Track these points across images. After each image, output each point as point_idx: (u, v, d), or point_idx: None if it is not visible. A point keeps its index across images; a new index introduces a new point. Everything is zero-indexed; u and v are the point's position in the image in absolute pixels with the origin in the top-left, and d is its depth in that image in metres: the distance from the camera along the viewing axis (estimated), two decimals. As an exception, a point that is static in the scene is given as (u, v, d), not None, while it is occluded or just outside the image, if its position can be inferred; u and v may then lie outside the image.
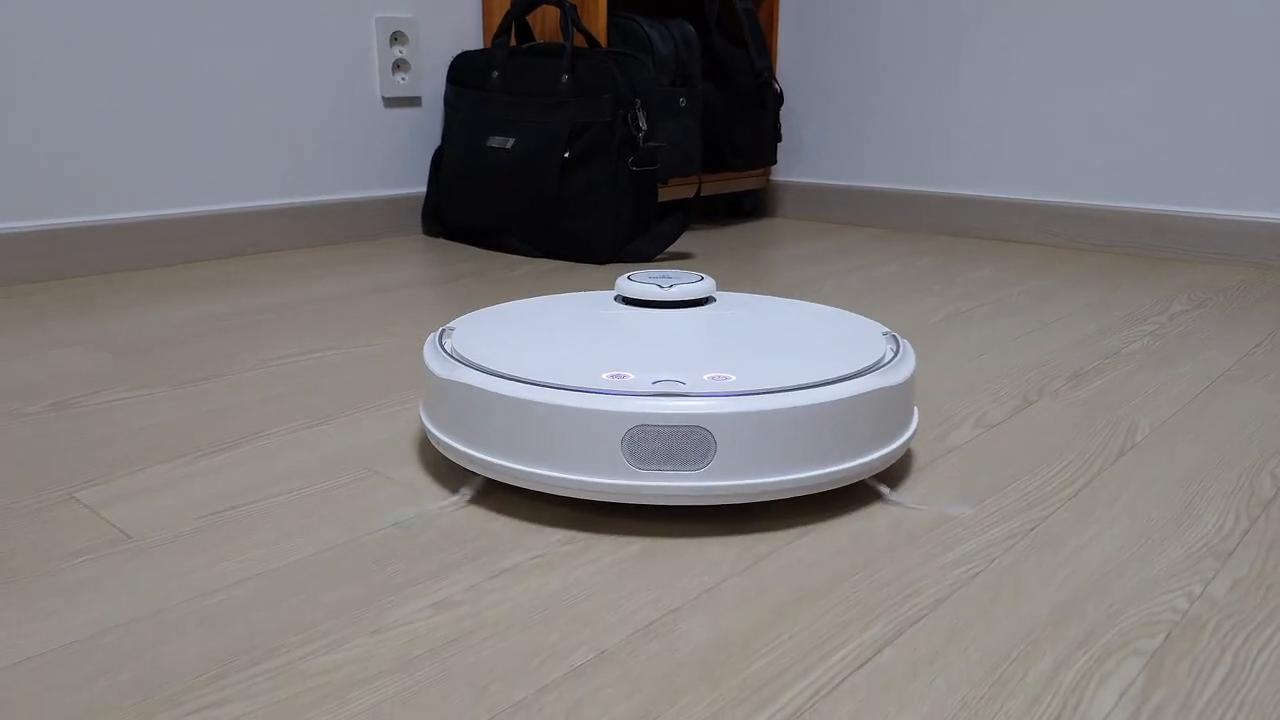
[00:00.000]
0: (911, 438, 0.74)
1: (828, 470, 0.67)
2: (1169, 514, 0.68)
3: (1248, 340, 1.13)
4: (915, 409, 0.77)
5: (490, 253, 1.65)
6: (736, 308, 0.86)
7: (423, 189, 1.83)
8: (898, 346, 0.77)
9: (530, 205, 1.60)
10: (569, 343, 0.75)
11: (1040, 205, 1.77)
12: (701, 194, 1.86)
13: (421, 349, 1.04)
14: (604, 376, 0.68)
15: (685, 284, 0.84)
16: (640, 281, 0.85)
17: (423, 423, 0.78)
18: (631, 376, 0.68)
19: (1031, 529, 0.66)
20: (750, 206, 2.16)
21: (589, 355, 0.72)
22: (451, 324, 0.81)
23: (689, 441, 0.64)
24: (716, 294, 0.89)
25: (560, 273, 1.49)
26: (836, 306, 0.78)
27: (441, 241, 1.75)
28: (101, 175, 1.45)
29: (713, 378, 0.68)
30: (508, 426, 0.67)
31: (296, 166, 1.66)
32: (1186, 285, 1.44)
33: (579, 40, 1.70)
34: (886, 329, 0.81)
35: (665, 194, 1.81)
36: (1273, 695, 0.48)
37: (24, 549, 0.63)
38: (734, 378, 0.68)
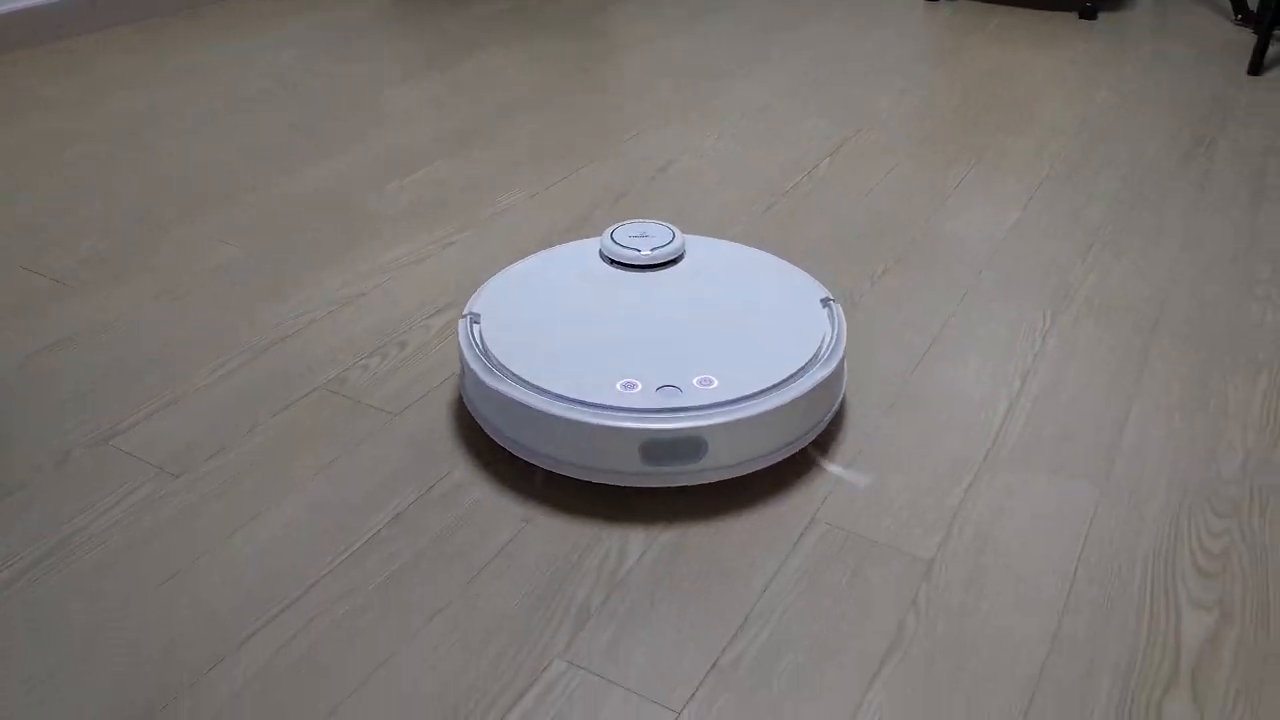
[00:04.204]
0: (842, 402, 0.98)
1: (786, 445, 0.89)
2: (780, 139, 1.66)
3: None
4: (845, 369, 0.98)
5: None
6: (701, 276, 1.01)
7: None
8: (833, 320, 0.95)
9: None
10: (582, 336, 0.92)
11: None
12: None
13: (448, 79, 1.83)
14: (618, 387, 0.85)
15: (659, 245, 1.01)
16: (622, 244, 1.02)
17: (469, 408, 0.94)
18: (639, 387, 0.85)
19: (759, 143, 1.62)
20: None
21: (602, 354, 0.89)
22: (475, 307, 0.97)
23: (688, 445, 0.83)
24: (684, 248, 1.04)
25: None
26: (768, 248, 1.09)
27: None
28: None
29: (700, 381, 0.86)
30: (547, 433, 0.85)
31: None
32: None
33: None
34: (824, 294, 0.99)
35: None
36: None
37: (366, 214, 1.48)
38: (716, 382, 0.86)
